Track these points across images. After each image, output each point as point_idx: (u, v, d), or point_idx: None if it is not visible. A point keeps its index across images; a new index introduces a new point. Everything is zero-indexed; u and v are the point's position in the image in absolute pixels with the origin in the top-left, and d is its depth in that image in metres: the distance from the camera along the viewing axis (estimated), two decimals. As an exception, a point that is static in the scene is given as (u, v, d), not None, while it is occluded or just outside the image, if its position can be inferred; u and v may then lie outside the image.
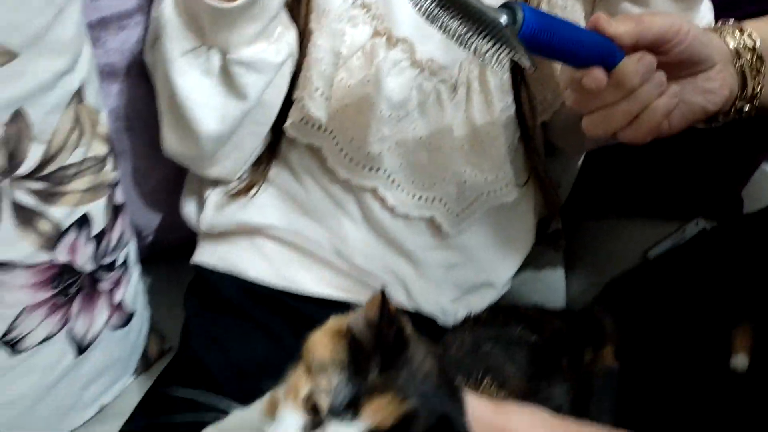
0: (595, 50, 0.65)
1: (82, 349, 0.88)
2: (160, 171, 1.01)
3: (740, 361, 0.83)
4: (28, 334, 0.81)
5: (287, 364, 0.81)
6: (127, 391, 1.01)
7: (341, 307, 0.88)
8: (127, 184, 0.99)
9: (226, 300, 0.88)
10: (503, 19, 0.60)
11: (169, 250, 1.16)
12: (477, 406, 0.66)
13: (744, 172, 1.17)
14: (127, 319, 0.95)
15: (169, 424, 0.87)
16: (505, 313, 0.98)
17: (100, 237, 0.86)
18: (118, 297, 0.92)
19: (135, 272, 0.97)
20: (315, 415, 0.54)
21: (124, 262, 0.93)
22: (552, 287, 1.21)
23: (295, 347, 0.85)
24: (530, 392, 0.76)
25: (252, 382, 0.82)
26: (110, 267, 0.90)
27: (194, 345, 0.86)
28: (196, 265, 0.91)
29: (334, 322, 0.60)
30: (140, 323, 1.00)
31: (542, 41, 0.63)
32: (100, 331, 0.90)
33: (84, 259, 0.84)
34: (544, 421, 0.68)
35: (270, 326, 0.87)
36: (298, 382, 0.56)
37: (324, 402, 0.54)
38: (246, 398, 0.81)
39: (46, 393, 0.86)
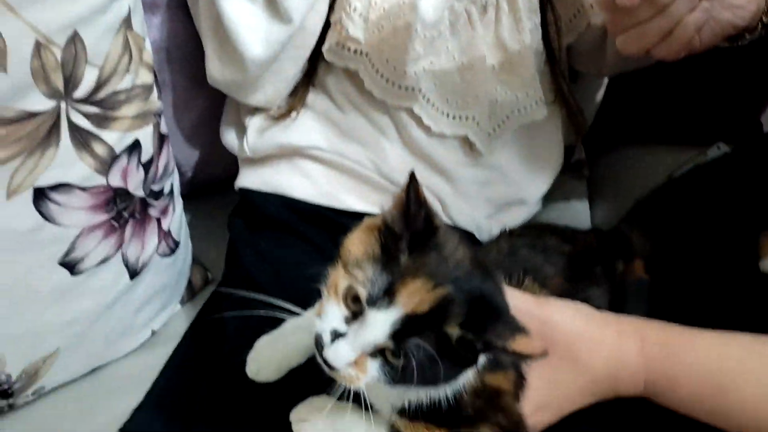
0: None
1: (135, 273, 0.92)
2: (198, 105, 1.04)
3: (768, 264, 0.86)
4: (86, 255, 0.85)
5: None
6: (174, 318, 1.05)
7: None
8: (167, 118, 1.02)
9: (271, 218, 0.92)
10: None
11: (206, 187, 1.20)
12: (519, 299, 0.69)
13: (764, 97, 1.19)
14: (174, 248, 0.99)
15: (218, 347, 0.92)
16: (538, 227, 1.01)
17: (148, 164, 0.89)
18: (165, 224, 0.96)
19: (179, 203, 1.01)
20: (356, 306, 0.58)
21: (170, 192, 0.96)
22: (577, 216, 1.24)
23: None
24: (570, 292, 0.80)
25: (300, 293, 0.87)
26: (158, 195, 0.93)
27: (244, 262, 0.90)
28: (240, 188, 0.94)
29: (368, 220, 0.63)
30: (185, 253, 1.04)
31: None
32: (151, 257, 0.94)
33: (135, 184, 0.88)
34: (585, 315, 0.72)
35: (315, 240, 0.90)
36: (337, 278, 0.60)
37: (362, 293, 0.57)
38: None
39: (103, 314, 0.91)
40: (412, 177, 0.58)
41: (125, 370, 0.98)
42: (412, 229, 0.58)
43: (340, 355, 0.56)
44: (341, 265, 0.61)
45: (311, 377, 0.67)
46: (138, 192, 0.89)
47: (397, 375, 0.56)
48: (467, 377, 0.61)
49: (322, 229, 0.91)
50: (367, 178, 0.90)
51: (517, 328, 0.57)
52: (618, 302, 0.88)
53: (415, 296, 0.54)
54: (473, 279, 0.59)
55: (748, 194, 0.94)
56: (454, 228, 0.66)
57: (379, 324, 0.54)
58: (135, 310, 0.96)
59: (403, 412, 0.64)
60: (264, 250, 0.89)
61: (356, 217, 0.90)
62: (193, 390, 0.93)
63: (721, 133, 1.17)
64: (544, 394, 0.70)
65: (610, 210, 1.25)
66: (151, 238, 0.94)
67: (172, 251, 0.99)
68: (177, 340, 1.01)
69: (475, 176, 0.93)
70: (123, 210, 0.87)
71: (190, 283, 1.07)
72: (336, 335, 0.57)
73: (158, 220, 0.95)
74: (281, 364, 0.75)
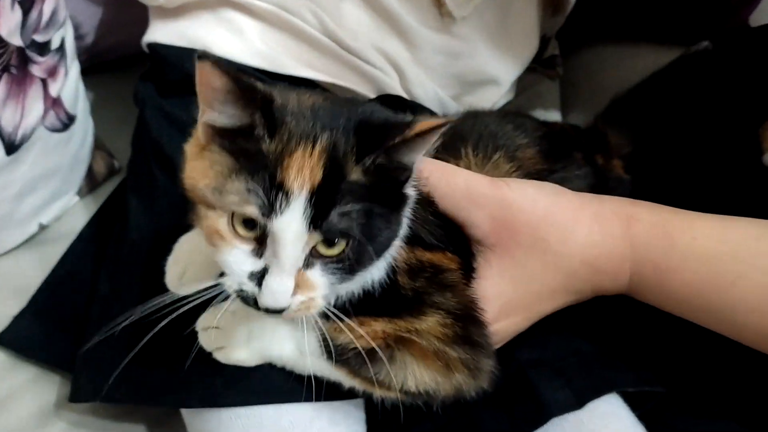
0: None
1: (12, 146, 0.74)
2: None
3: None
4: (-59, 114, 0.66)
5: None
6: (70, 212, 0.87)
7: (322, 89, 0.75)
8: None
9: (188, 78, 0.73)
10: None
11: (113, 62, 1.00)
12: (471, 179, 0.56)
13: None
14: (68, 122, 0.81)
15: (120, 247, 0.75)
16: (510, 111, 0.87)
17: (28, 5, 0.70)
18: (54, 89, 0.77)
19: (74, 68, 0.82)
20: (252, 231, 0.47)
21: (61, 49, 0.77)
22: (549, 119, 1.11)
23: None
24: (545, 173, 0.66)
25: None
26: (43, 49, 0.74)
27: (154, 134, 0.72)
28: (150, 44, 0.75)
29: (188, 147, 0.51)
30: (83, 133, 0.85)
31: None
32: (34, 129, 0.75)
33: (9, 28, 0.68)
34: (553, 193, 0.58)
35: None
36: (210, 222, 0.48)
37: (250, 210, 0.46)
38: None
39: (-29, 196, 0.72)
40: (204, 57, 0.45)
41: (4, 270, 0.80)
42: (258, 108, 0.46)
43: (278, 293, 0.47)
44: (201, 207, 0.49)
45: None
46: (14, 39, 0.70)
47: (347, 263, 0.48)
48: (396, 251, 0.53)
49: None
50: (311, 38, 0.72)
51: (406, 124, 0.46)
52: (601, 191, 0.75)
53: (303, 170, 0.45)
54: (341, 112, 0.49)
55: (739, 89, 0.82)
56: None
57: (292, 225, 0.45)
58: (16, 196, 0.77)
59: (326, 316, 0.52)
60: (179, 119, 0.71)
61: (292, 80, 0.73)
62: (88, 297, 0.76)
63: (707, 31, 1.05)
64: (507, 294, 0.57)
65: (584, 114, 1.12)
66: (34, 104, 0.75)
67: (65, 126, 0.80)
68: (72, 239, 0.84)
69: (442, 45, 0.77)
70: (-8, 59, 0.68)
71: (90, 171, 0.89)
72: (257, 277, 0.47)
73: (44, 82, 0.76)
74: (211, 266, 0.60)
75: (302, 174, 0.45)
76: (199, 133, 0.50)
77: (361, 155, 0.46)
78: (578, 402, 0.59)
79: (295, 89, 0.52)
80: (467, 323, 0.55)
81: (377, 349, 0.52)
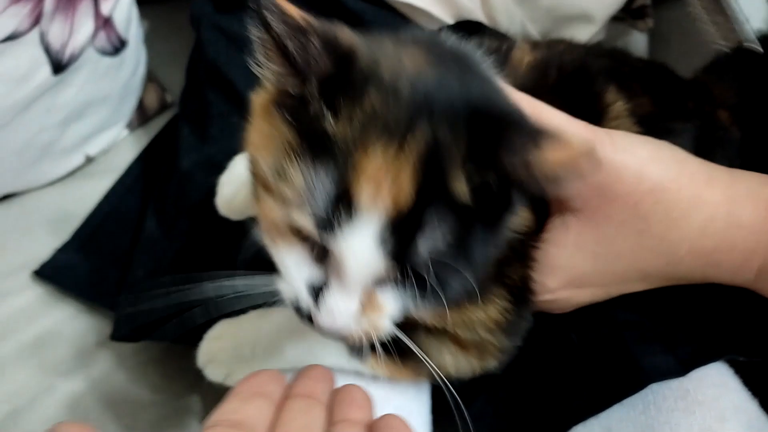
0: None
1: (60, 65, 0.68)
2: None
3: None
4: (-14, 22, 0.61)
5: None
6: (119, 145, 0.82)
7: (394, 11, 0.67)
8: None
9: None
10: None
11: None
12: (568, 124, 0.44)
13: None
14: (119, 46, 0.75)
15: (168, 181, 0.70)
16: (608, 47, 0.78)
17: None
18: (106, 8, 0.71)
19: (128, -11, 0.76)
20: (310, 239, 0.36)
21: (114, -36, 0.71)
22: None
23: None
24: (656, 121, 0.57)
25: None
26: (95, -40, 0.68)
27: (211, 55, 0.65)
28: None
29: (256, 97, 0.39)
30: (135, 61, 0.80)
31: None
32: (83, 49, 0.70)
33: (59, -69, 0.63)
34: (673, 159, 0.47)
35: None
36: (268, 209, 0.37)
37: (303, 221, 0.34)
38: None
39: (14, 117, 0.67)
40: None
41: (48, 201, 0.76)
42: (318, 77, 0.34)
43: (338, 316, 0.37)
44: (259, 187, 0.38)
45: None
46: (64, -54, 0.64)
47: (430, 288, 0.36)
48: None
49: (316, 8, 0.66)
50: None
51: (536, 133, 0.33)
52: (708, 146, 0.66)
53: (382, 180, 0.33)
54: (449, 88, 0.35)
55: None
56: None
57: (357, 250, 0.34)
58: (62, 122, 0.72)
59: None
60: (238, 35, 0.64)
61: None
62: (133, 234, 0.71)
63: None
64: (581, 267, 0.48)
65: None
66: (84, 21, 0.69)
67: (116, 50, 0.75)
68: (119, 173, 0.78)
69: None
70: (40, -35, 0.63)
71: (141, 103, 0.83)
72: (316, 290, 0.37)
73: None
74: None
75: (380, 184, 0.33)
76: (269, 89, 0.38)
77: (473, 163, 0.34)
78: (683, 369, 0.50)
79: (398, 39, 0.39)
80: (520, 307, 0.47)
81: (416, 350, 0.42)
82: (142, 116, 0.83)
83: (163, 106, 0.85)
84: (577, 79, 0.53)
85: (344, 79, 0.34)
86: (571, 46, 0.61)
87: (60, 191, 0.77)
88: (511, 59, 0.51)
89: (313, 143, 0.34)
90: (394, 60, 0.36)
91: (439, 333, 0.47)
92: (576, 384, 0.52)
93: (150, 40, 0.89)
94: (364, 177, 0.33)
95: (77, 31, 0.69)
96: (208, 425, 0.31)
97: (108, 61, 0.74)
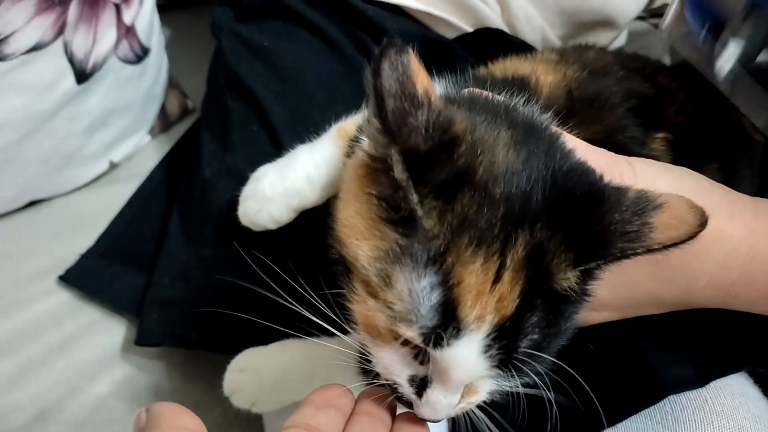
0: None
1: (83, 74, 0.70)
2: None
3: None
4: (13, 34, 0.62)
5: (345, 80, 0.62)
6: (142, 151, 0.83)
7: (413, 20, 0.68)
8: None
9: (270, 1, 0.67)
10: None
11: (188, 0, 0.96)
12: (588, 152, 0.42)
13: None
14: (141, 54, 0.76)
15: (192, 188, 0.71)
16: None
17: None
18: (128, 17, 0.73)
19: (149, -2, 0.77)
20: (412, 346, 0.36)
21: (136, -27, 0.73)
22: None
23: (354, 59, 0.66)
24: (684, 127, 0.57)
25: (303, 103, 0.64)
26: (117, -29, 0.70)
27: (231, 63, 0.66)
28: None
29: (352, 162, 0.37)
30: (157, 68, 0.81)
31: None
32: (106, 58, 0.71)
33: (82, -56, 0.64)
34: (690, 190, 0.45)
35: (325, 31, 0.67)
36: (367, 312, 0.36)
37: (411, 335, 0.34)
38: (296, 123, 0.63)
39: (40, 125, 0.68)
40: (390, 44, 0.32)
41: (73, 207, 0.77)
42: (405, 148, 0.33)
43: (441, 410, 0.38)
44: (356, 281, 0.37)
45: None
46: (87, -42, 0.65)
47: (519, 380, 0.37)
48: None
49: (335, 17, 0.67)
50: None
51: (646, 202, 0.34)
52: (727, 160, 0.65)
53: (488, 296, 0.33)
54: (539, 183, 0.35)
55: None
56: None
57: (462, 361, 0.35)
58: (86, 130, 0.74)
59: None
60: (257, 45, 0.65)
61: (380, 5, 0.66)
62: (157, 239, 0.73)
63: None
64: (597, 293, 0.47)
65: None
66: (107, 31, 0.71)
67: (139, 58, 0.76)
68: (142, 179, 0.80)
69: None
70: (63, -23, 0.64)
71: (163, 110, 0.85)
72: (418, 382, 0.37)
73: (117, 8, 0.71)
74: (291, 202, 0.55)
75: (485, 301, 0.33)
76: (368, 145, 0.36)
77: (578, 262, 0.35)
78: (701, 380, 0.50)
79: (491, 118, 0.37)
80: None
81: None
82: (164, 122, 0.84)
83: (185, 112, 0.87)
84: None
85: (436, 163, 0.34)
86: (596, 55, 0.60)
87: (85, 197, 0.78)
88: (537, 88, 0.51)
89: (407, 239, 0.34)
90: (488, 153, 0.35)
91: None
92: (594, 395, 0.52)
93: (171, 46, 0.90)
94: (470, 294, 0.33)
95: (100, 41, 0.70)
96: (285, 425, 0.34)
97: (130, 69, 0.75)
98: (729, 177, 0.58)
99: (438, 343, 0.34)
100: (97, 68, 0.71)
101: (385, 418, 0.37)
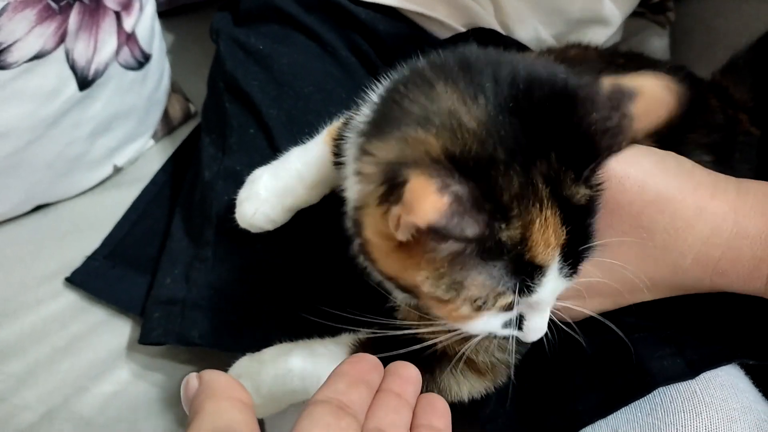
0: None
1: (86, 81, 0.71)
2: None
3: None
4: (15, 43, 0.64)
5: (340, 82, 0.63)
6: (145, 155, 0.85)
7: (406, 21, 0.69)
8: None
9: (265, 6, 0.69)
10: None
11: (191, 6, 0.97)
12: None
13: None
14: (143, 60, 0.78)
15: (193, 191, 0.72)
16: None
17: (101, -69, 0.67)
18: (129, 24, 0.74)
19: (149, 3, 0.79)
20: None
21: (135, -19, 0.74)
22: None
23: (349, 62, 0.67)
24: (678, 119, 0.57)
25: (299, 107, 0.66)
26: (117, -21, 0.71)
27: (229, 68, 0.68)
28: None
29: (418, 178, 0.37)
30: (159, 73, 0.83)
31: None
32: (108, 65, 0.73)
33: (82, -46, 0.66)
34: (675, 169, 0.47)
35: (321, 35, 0.68)
36: (448, 311, 0.42)
37: (507, 301, 0.40)
38: (292, 126, 0.64)
39: (45, 132, 0.70)
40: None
41: (79, 210, 0.79)
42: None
43: (543, 327, 0.44)
44: (430, 300, 0.42)
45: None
46: (86, -33, 0.67)
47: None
48: None
49: (330, 21, 0.69)
50: None
51: (620, 94, 0.38)
52: (727, 147, 0.65)
53: (549, 238, 0.39)
54: (514, 130, 0.38)
55: None
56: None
57: (551, 289, 0.41)
58: (89, 135, 0.76)
59: None
60: (254, 49, 0.67)
61: (374, 8, 0.67)
62: (161, 241, 0.74)
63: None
64: (589, 276, 0.47)
65: (697, 67, 1.01)
66: (108, 38, 0.72)
67: (140, 64, 0.78)
68: (146, 183, 0.81)
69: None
70: (63, -13, 0.66)
71: (166, 114, 0.86)
72: (514, 322, 0.44)
73: (118, 16, 0.73)
74: (285, 202, 0.56)
75: (550, 243, 0.39)
76: (392, 227, 0.39)
77: (579, 174, 0.40)
78: (691, 372, 0.51)
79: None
80: None
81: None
82: (167, 126, 0.86)
83: (188, 116, 0.88)
84: None
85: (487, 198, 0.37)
86: (579, 51, 0.61)
87: (90, 201, 0.80)
88: None
89: (478, 248, 0.38)
90: (461, 129, 0.39)
91: (455, 361, 0.50)
92: (584, 387, 0.53)
93: (174, 51, 0.92)
94: (538, 246, 0.39)
95: (101, 48, 0.72)
96: (317, 398, 0.34)
97: (132, 75, 0.77)
98: (725, 171, 0.59)
99: (529, 291, 0.39)
100: (98, 75, 0.72)
101: (410, 398, 0.38)
